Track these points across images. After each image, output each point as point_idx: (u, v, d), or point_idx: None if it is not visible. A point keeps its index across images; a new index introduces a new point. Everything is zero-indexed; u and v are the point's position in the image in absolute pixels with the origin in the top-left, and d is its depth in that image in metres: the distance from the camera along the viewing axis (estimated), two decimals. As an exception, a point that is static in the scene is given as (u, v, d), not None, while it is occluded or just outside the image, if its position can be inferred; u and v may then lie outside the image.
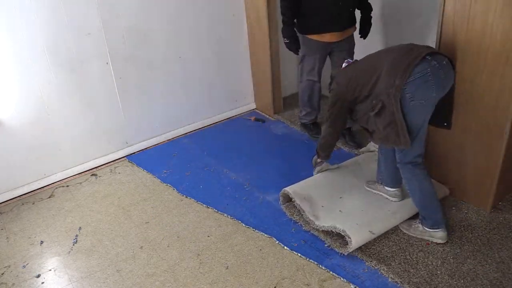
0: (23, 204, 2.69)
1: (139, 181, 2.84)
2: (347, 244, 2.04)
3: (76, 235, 2.39)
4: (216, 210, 2.49)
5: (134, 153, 3.17)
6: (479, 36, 1.96)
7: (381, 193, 2.35)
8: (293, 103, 3.79)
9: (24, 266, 2.19)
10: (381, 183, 2.33)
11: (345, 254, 2.05)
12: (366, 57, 2.09)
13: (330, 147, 2.39)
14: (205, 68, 3.36)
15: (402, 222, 2.20)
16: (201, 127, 3.50)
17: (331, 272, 1.99)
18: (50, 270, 2.16)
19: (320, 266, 2.03)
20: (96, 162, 3.03)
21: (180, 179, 2.82)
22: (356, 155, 2.89)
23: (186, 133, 3.42)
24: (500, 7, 1.84)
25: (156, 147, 3.26)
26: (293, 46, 2.80)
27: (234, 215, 2.43)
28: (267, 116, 3.61)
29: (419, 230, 2.11)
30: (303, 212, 2.26)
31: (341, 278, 1.96)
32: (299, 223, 2.31)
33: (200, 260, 2.14)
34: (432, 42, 2.25)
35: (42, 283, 2.09)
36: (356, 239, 2.03)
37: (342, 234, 2.06)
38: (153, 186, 2.77)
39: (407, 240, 2.12)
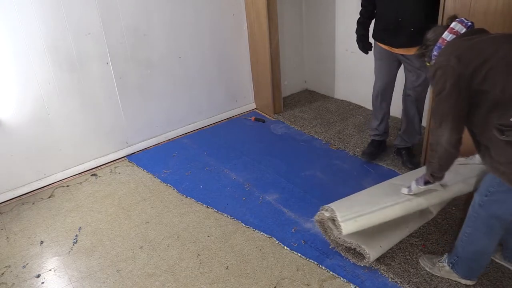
0: (23, 204, 2.69)
1: (139, 181, 2.84)
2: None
3: (76, 235, 2.39)
4: (216, 210, 2.49)
5: (134, 153, 3.17)
6: (479, 36, 1.96)
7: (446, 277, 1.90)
8: (293, 103, 3.80)
9: (24, 266, 2.19)
10: (450, 266, 1.86)
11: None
12: (490, 38, 1.55)
13: (451, 159, 1.64)
14: (205, 68, 3.36)
15: (422, 258, 1.98)
16: (201, 127, 3.50)
17: (331, 272, 1.99)
18: (50, 270, 2.16)
19: (320, 266, 2.03)
20: (96, 162, 3.03)
21: (180, 179, 2.82)
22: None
23: (186, 133, 3.42)
24: (500, 7, 1.84)
25: (156, 147, 3.26)
26: (359, 44, 2.64)
27: (234, 215, 2.43)
28: (267, 116, 3.61)
29: (445, 271, 1.86)
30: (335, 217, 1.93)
31: (341, 278, 1.95)
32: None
33: (200, 260, 2.14)
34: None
35: (42, 283, 2.09)
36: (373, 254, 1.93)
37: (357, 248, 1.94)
38: (153, 186, 2.77)
39: (407, 240, 2.12)
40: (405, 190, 1.96)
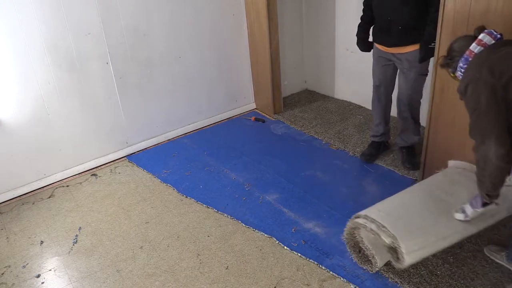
0: (23, 204, 2.69)
1: (139, 181, 2.84)
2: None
3: (76, 235, 2.39)
4: (216, 210, 2.49)
5: (134, 153, 3.17)
6: (479, 36, 1.96)
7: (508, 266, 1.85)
8: (293, 103, 3.80)
9: (24, 266, 2.19)
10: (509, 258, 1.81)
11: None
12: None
13: (504, 175, 1.55)
14: (205, 68, 3.36)
15: (488, 249, 1.94)
16: (201, 127, 3.50)
17: (331, 272, 1.99)
18: (50, 270, 2.16)
19: (320, 266, 2.03)
20: (96, 162, 3.03)
21: (180, 179, 2.82)
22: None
23: (186, 133, 3.42)
24: (500, 7, 1.84)
25: (156, 147, 3.26)
26: (359, 45, 2.68)
27: (234, 215, 2.43)
28: (267, 116, 3.61)
29: None
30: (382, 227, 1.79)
31: (341, 278, 1.95)
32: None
33: (200, 260, 2.14)
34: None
35: (42, 283, 2.09)
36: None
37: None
38: (153, 186, 2.77)
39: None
40: (460, 216, 1.79)
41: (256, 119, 3.55)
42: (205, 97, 3.46)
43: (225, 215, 2.44)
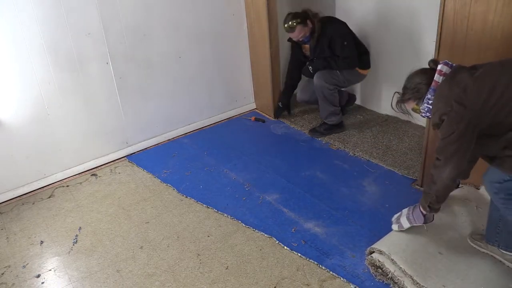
0: (23, 204, 2.69)
1: (139, 181, 2.84)
2: None
3: (76, 235, 2.38)
4: (216, 210, 2.49)
5: (134, 153, 3.17)
6: (479, 36, 1.96)
7: (492, 254, 1.90)
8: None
9: (24, 266, 2.19)
10: (495, 245, 1.87)
11: None
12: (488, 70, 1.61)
13: (448, 192, 1.79)
14: (205, 68, 3.36)
15: (471, 238, 1.95)
16: (201, 127, 3.50)
17: (331, 272, 1.99)
18: (50, 270, 2.16)
19: (320, 266, 2.03)
20: (96, 162, 3.02)
21: (180, 179, 2.82)
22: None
23: (186, 133, 3.42)
24: (500, 6, 1.84)
25: (156, 147, 3.26)
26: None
27: (234, 215, 2.43)
28: (267, 116, 3.61)
29: (499, 253, 1.86)
30: (404, 274, 1.83)
31: (341, 278, 1.95)
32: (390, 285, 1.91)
33: (200, 260, 2.14)
34: (432, 42, 2.24)
35: (42, 283, 2.09)
36: None
37: None
38: (153, 186, 2.77)
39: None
40: (395, 227, 2.02)
41: (256, 119, 3.55)
42: (205, 97, 3.46)
43: (225, 215, 2.44)
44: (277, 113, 3.52)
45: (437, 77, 1.67)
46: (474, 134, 1.58)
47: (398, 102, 1.83)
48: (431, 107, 1.69)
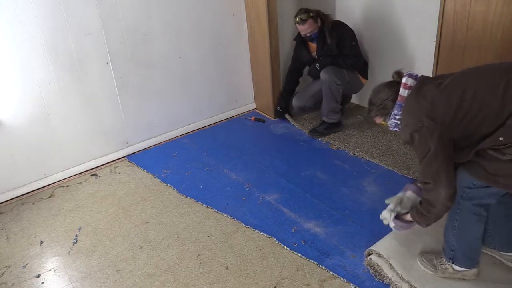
0: (23, 204, 2.69)
1: (139, 181, 2.84)
2: None
3: (76, 235, 2.38)
4: (216, 210, 2.49)
5: (134, 153, 3.17)
6: (479, 36, 1.96)
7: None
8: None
9: (24, 266, 2.19)
10: (449, 261, 1.82)
11: None
12: (456, 78, 1.56)
13: (447, 211, 1.65)
14: (205, 68, 3.36)
15: (422, 261, 1.89)
16: (201, 127, 3.50)
17: (331, 272, 1.99)
18: (50, 270, 2.16)
19: (320, 266, 2.03)
20: (96, 162, 3.03)
21: (180, 179, 2.82)
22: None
23: (186, 133, 3.42)
24: (500, 6, 1.84)
25: (156, 147, 3.26)
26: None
27: (234, 215, 2.43)
28: (267, 116, 3.61)
29: (449, 272, 1.81)
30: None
31: (341, 278, 1.95)
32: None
33: (200, 260, 2.14)
34: (432, 42, 2.25)
35: (42, 283, 2.09)
36: None
37: None
38: (153, 186, 2.77)
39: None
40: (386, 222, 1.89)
41: (256, 119, 3.55)
42: (205, 97, 3.46)
43: (225, 215, 2.44)
44: (277, 115, 3.54)
45: (402, 91, 1.62)
46: (450, 144, 1.52)
47: (366, 116, 1.80)
48: (398, 122, 1.66)
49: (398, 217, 1.85)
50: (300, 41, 3.19)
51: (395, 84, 1.67)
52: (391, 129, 1.74)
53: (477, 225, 1.69)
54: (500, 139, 1.40)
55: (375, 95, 1.73)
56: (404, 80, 1.62)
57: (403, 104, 1.62)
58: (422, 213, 1.68)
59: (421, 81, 1.61)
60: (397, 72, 1.70)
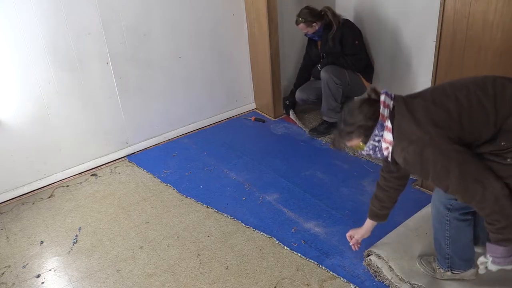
0: (23, 204, 2.69)
1: (139, 181, 2.84)
2: None
3: (76, 235, 2.38)
4: (216, 210, 2.49)
5: (134, 153, 3.17)
6: (479, 36, 1.96)
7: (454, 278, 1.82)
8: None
9: (24, 266, 2.19)
10: (447, 269, 1.79)
11: None
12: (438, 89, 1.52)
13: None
14: (205, 68, 3.36)
15: (421, 263, 1.88)
16: (201, 127, 3.50)
17: (331, 272, 1.99)
18: (50, 270, 2.16)
19: (320, 266, 2.03)
20: (96, 162, 3.02)
21: (180, 179, 2.82)
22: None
23: (186, 133, 3.42)
24: (500, 6, 1.84)
25: (156, 147, 3.26)
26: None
27: (234, 215, 2.43)
28: (267, 116, 3.61)
29: (448, 275, 1.80)
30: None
31: (341, 278, 1.95)
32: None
33: (200, 260, 2.14)
34: (432, 42, 2.24)
35: (42, 283, 2.09)
36: None
37: None
38: (153, 186, 2.77)
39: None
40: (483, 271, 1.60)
41: (256, 119, 3.55)
42: (205, 97, 3.46)
43: (225, 215, 2.44)
44: (284, 108, 3.56)
45: (382, 110, 1.48)
46: (462, 145, 1.40)
47: (336, 140, 1.62)
48: (376, 144, 1.52)
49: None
50: (310, 39, 3.25)
51: (374, 102, 1.53)
52: (366, 153, 1.59)
53: (468, 229, 1.69)
54: (502, 144, 1.38)
55: (353, 115, 1.55)
56: (382, 98, 1.50)
57: (395, 129, 1.47)
58: (494, 231, 1.41)
59: (402, 99, 1.50)
60: (373, 89, 1.55)
